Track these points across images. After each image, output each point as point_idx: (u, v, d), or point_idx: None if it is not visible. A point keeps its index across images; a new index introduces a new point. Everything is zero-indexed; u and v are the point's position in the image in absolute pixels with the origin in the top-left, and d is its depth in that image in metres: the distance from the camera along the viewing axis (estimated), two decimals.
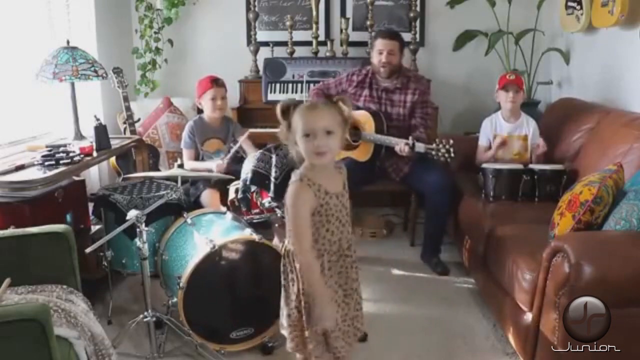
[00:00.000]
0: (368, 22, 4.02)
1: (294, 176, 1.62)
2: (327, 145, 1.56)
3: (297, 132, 1.59)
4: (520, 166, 2.88)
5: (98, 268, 2.56)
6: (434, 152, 2.82)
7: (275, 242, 2.85)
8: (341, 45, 4.07)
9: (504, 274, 2.26)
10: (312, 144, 1.56)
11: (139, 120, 3.63)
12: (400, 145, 2.92)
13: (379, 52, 3.13)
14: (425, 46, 4.24)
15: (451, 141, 2.79)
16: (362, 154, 3.16)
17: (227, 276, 2.26)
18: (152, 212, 2.27)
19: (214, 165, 2.94)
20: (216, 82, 3.04)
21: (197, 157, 3.09)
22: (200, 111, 3.16)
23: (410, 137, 2.95)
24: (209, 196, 2.88)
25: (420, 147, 2.89)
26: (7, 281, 1.70)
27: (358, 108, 3.20)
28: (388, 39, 3.12)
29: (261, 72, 3.97)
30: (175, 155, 3.53)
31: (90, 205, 2.87)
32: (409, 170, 3.19)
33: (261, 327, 2.32)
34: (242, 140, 3.11)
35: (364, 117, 3.13)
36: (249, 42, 4.17)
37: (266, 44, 4.11)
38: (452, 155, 2.78)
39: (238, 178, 2.59)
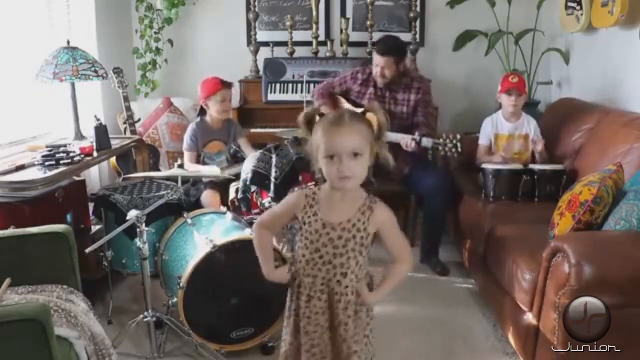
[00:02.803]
0: (368, 22, 4.02)
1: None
2: (351, 170, 1.37)
3: (319, 151, 1.40)
4: (520, 166, 2.88)
5: (98, 268, 2.56)
6: (440, 147, 2.83)
7: (276, 242, 2.85)
8: (341, 45, 4.07)
9: (504, 274, 2.26)
10: (335, 167, 1.37)
11: (139, 120, 3.63)
12: (406, 140, 2.92)
13: (375, 65, 3.16)
14: (425, 46, 4.24)
15: (458, 136, 2.80)
16: None
17: (227, 276, 2.26)
18: (152, 212, 2.27)
19: (214, 173, 2.91)
20: (225, 84, 3.03)
21: (198, 159, 3.09)
22: (202, 112, 3.13)
23: (416, 133, 2.96)
24: (209, 197, 2.87)
25: (427, 141, 2.90)
26: (7, 281, 1.71)
27: (361, 106, 3.21)
28: (381, 55, 3.13)
29: (261, 72, 3.97)
30: (176, 155, 3.53)
31: (91, 205, 2.87)
32: (409, 171, 3.20)
33: (261, 327, 2.32)
34: (242, 142, 3.13)
35: None
36: (249, 42, 4.17)
37: (266, 44, 4.11)
38: (459, 150, 2.79)
39: (238, 178, 2.59)
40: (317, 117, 1.44)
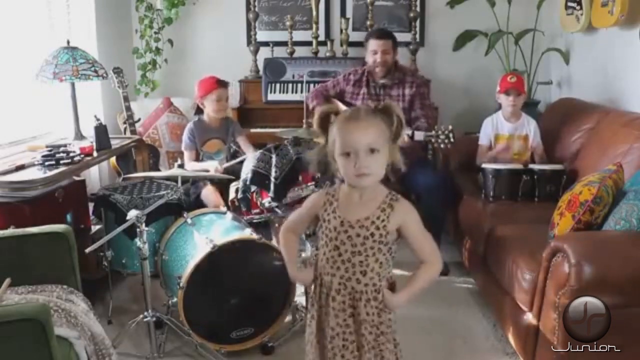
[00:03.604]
0: (368, 22, 4.02)
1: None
2: (368, 167, 1.34)
3: (336, 148, 1.37)
4: (520, 166, 2.88)
5: (98, 268, 2.56)
6: (433, 139, 2.83)
7: (275, 242, 2.85)
8: (341, 45, 4.07)
9: (504, 274, 2.26)
10: (352, 164, 1.34)
11: (139, 120, 3.63)
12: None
13: (373, 52, 3.15)
14: (425, 46, 4.24)
15: (450, 127, 2.80)
16: None
17: (227, 276, 2.26)
18: (152, 212, 2.27)
19: (212, 167, 2.94)
20: (221, 83, 3.04)
21: (198, 158, 3.09)
22: (199, 111, 3.15)
23: (408, 128, 2.96)
24: (209, 193, 2.87)
25: (419, 135, 2.89)
26: (7, 281, 1.71)
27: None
28: (381, 38, 3.14)
29: (261, 72, 3.97)
30: (176, 155, 3.53)
31: (91, 205, 2.87)
32: (407, 170, 3.18)
33: (261, 327, 2.32)
34: (241, 141, 3.13)
35: None
36: (249, 42, 4.17)
37: (266, 44, 4.11)
38: (452, 140, 2.78)
39: (238, 178, 2.59)
40: (333, 116, 1.41)
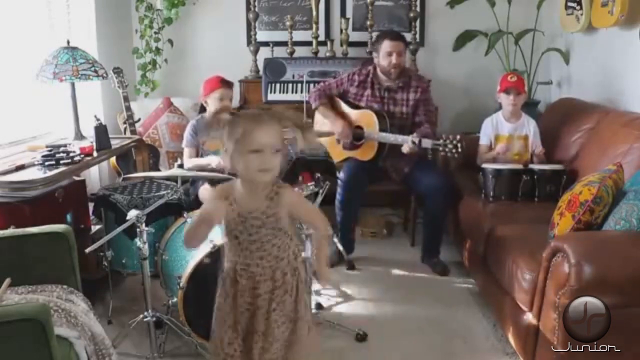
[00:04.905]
0: (368, 22, 4.02)
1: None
2: (272, 163, 1.50)
3: (243, 145, 1.49)
4: (520, 166, 2.88)
5: (98, 268, 2.57)
6: (440, 148, 2.83)
7: None
8: (341, 45, 4.07)
9: (504, 274, 2.26)
10: (259, 160, 1.48)
11: (139, 120, 3.63)
12: (409, 145, 2.91)
13: (388, 54, 3.10)
14: (425, 46, 4.24)
15: (458, 137, 2.80)
16: (365, 154, 3.16)
17: None
18: (152, 212, 2.27)
19: (214, 162, 2.93)
20: (225, 83, 3.04)
21: (198, 156, 3.09)
22: (202, 110, 3.16)
23: (415, 134, 2.95)
24: (207, 192, 2.87)
25: (427, 142, 2.89)
26: (7, 281, 1.71)
27: (359, 107, 3.21)
28: (395, 40, 3.11)
29: (261, 72, 3.98)
30: (176, 155, 3.53)
31: (91, 205, 2.87)
32: (409, 171, 3.19)
33: None
34: None
35: (367, 116, 3.13)
36: (249, 42, 4.17)
37: (266, 44, 4.11)
38: (460, 150, 2.79)
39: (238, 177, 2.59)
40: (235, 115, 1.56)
